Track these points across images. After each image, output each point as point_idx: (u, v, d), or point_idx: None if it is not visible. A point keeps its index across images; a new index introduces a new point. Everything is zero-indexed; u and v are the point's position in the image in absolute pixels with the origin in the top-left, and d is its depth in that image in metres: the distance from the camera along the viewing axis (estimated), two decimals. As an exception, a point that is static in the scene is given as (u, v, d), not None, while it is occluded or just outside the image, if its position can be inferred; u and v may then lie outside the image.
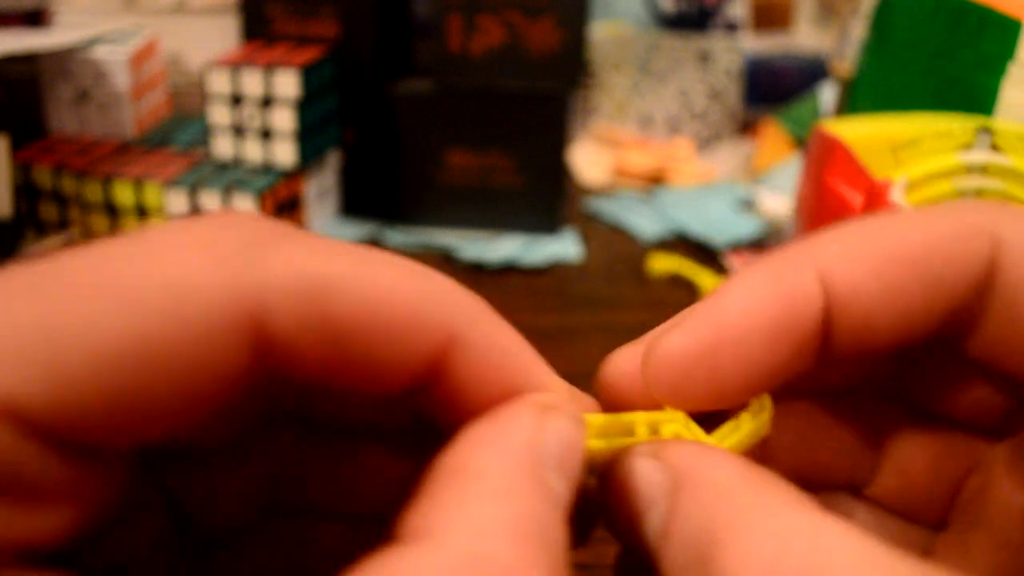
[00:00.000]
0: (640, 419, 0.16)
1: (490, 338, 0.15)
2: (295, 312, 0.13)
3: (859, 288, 0.15)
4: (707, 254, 0.61)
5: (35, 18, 0.70)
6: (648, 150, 0.78)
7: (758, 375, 0.15)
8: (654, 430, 0.15)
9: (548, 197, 0.63)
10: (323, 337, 0.13)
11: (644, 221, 0.66)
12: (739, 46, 0.82)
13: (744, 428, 0.15)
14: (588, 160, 0.79)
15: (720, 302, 0.15)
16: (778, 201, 0.66)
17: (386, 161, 0.63)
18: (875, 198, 0.35)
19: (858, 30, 0.60)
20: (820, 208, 0.40)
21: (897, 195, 0.35)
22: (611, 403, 0.17)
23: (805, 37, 0.98)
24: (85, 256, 0.12)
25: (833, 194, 0.38)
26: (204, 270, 0.12)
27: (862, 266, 0.15)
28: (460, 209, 0.64)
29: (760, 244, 0.63)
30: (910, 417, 0.18)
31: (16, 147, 0.55)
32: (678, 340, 0.15)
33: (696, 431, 0.15)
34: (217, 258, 0.13)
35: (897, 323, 0.15)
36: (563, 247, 0.61)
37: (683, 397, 0.15)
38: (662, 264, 0.58)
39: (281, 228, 0.14)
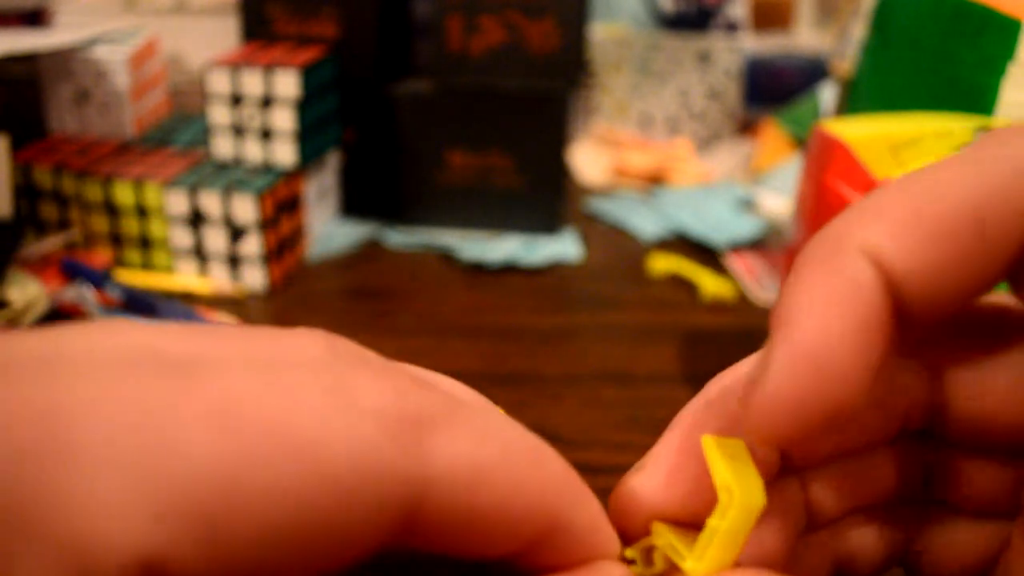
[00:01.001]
0: (633, 553, 0.17)
1: (586, 527, 0.15)
2: (448, 503, 0.13)
3: (915, 265, 0.14)
4: (707, 254, 0.61)
5: (35, 18, 0.70)
6: (648, 150, 0.78)
7: (858, 383, 0.14)
8: (647, 558, 0.17)
9: (548, 197, 0.63)
10: (459, 525, 0.13)
11: (644, 221, 0.66)
12: (739, 46, 0.82)
13: (721, 527, 0.15)
14: (588, 160, 0.79)
15: (797, 331, 0.14)
16: (778, 201, 0.66)
17: (386, 161, 0.63)
18: (875, 198, 0.35)
19: (858, 30, 0.60)
20: (820, 208, 0.40)
21: (897, 195, 0.35)
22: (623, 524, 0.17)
23: (805, 37, 0.98)
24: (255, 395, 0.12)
25: (833, 194, 0.38)
26: (379, 445, 0.12)
27: (913, 241, 0.14)
28: (460, 209, 0.64)
29: (760, 244, 0.63)
30: (936, 512, 0.18)
31: (16, 147, 0.55)
32: (777, 386, 0.14)
33: (679, 549, 0.16)
34: (389, 432, 0.13)
35: (962, 283, 0.14)
36: (563, 247, 0.61)
37: (791, 437, 0.14)
38: (662, 264, 0.58)
39: (444, 394, 0.14)
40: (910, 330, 0.15)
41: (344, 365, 0.13)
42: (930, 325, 0.15)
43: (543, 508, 0.14)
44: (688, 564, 0.15)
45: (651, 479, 0.17)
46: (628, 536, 0.17)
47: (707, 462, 0.15)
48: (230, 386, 0.12)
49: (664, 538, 0.16)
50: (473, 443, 0.13)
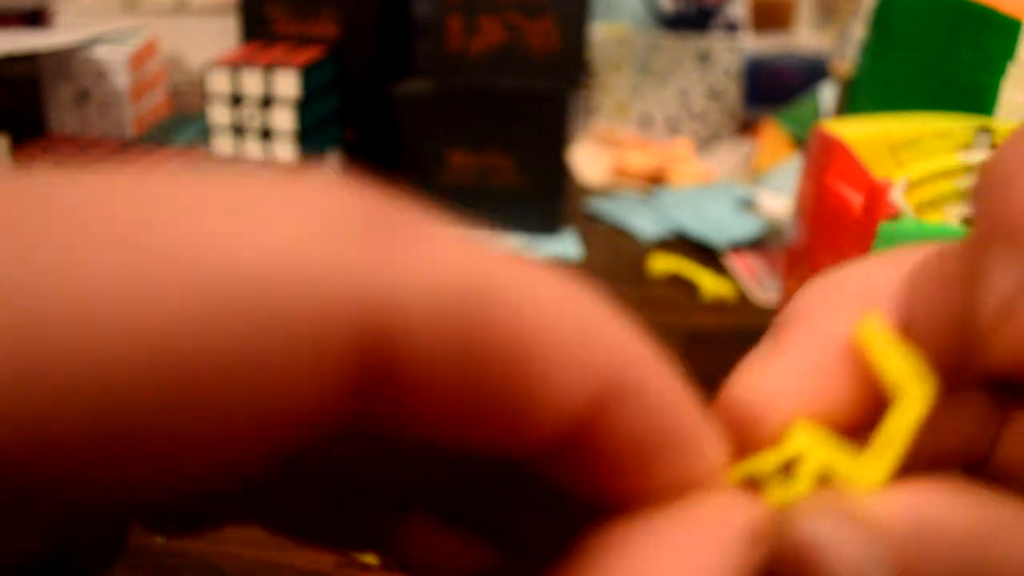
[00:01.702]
0: (768, 465, 0.12)
1: (659, 393, 0.11)
2: (435, 335, 0.09)
3: None
4: (707, 254, 0.61)
5: (35, 18, 0.70)
6: (648, 150, 0.78)
7: None
8: (814, 476, 0.12)
9: (548, 197, 0.63)
10: (464, 374, 0.09)
11: (644, 221, 0.66)
12: (739, 46, 0.82)
13: (902, 424, 0.12)
14: (588, 160, 0.79)
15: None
16: (778, 201, 0.66)
17: (386, 161, 0.63)
18: (875, 198, 0.35)
19: (858, 30, 0.60)
20: (820, 208, 0.40)
21: (897, 195, 0.35)
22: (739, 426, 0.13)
23: (805, 37, 0.98)
24: (124, 193, 0.08)
25: (833, 194, 0.38)
26: (319, 251, 0.08)
27: None
28: (460, 209, 0.63)
29: (760, 244, 0.63)
30: None
31: (16, 147, 0.55)
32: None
33: (841, 456, 0.12)
34: (336, 237, 0.09)
35: None
36: (563, 247, 0.61)
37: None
38: (662, 264, 0.58)
39: (415, 211, 0.10)
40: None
41: (351, 202, 0.09)
42: None
43: (595, 355, 0.10)
44: (864, 475, 0.11)
45: (789, 370, 0.12)
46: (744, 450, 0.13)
47: (868, 351, 0.12)
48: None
49: (811, 446, 0.12)
50: (461, 251, 0.10)
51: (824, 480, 0.12)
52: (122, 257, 0.08)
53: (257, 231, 0.08)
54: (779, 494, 0.12)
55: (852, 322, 0.13)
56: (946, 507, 0.10)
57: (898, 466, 0.12)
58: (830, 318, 0.13)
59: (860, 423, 0.12)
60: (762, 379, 0.12)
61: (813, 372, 0.12)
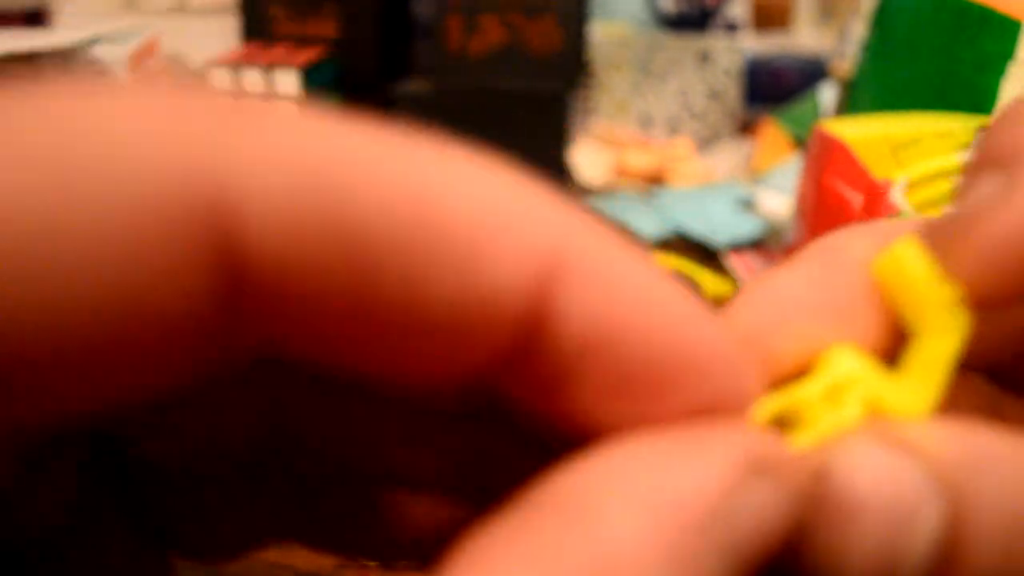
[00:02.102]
0: (810, 394, 0.11)
1: (621, 274, 0.09)
2: (289, 219, 0.08)
3: None
4: (707, 254, 0.61)
5: (35, 18, 0.70)
6: (648, 150, 0.78)
7: None
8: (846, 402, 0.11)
9: (548, 197, 0.63)
10: (338, 270, 0.08)
11: (644, 221, 0.66)
12: (739, 46, 0.82)
13: (940, 353, 0.11)
14: (588, 160, 0.79)
15: None
16: (778, 201, 0.66)
17: (386, 161, 0.63)
18: (875, 198, 0.35)
19: (858, 30, 0.60)
20: (820, 208, 0.40)
21: (897, 195, 0.35)
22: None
23: (805, 37, 0.98)
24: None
25: (833, 194, 0.38)
26: (155, 136, 0.08)
27: None
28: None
29: (760, 244, 0.63)
30: None
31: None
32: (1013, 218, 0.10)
33: (887, 384, 0.11)
34: (177, 126, 0.08)
35: None
36: (563, 247, 0.61)
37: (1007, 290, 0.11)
38: (662, 264, 0.58)
39: (268, 104, 0.09)
40: None
41: (201, 101, 0.08)
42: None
43: (515, 233, 0.08)
44: (911, 405, 0.11)
45: (801, 284, 0.11)
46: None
47: (898, 277, 0.11)
48: None
49: (855, 372, 0.11)
50: (305, 133, 0.08)
51: (872, 410, 0.11)
52: None
53: (90, 119, 0.08)
54: (824, 425, 0.10)
55: (873, 249, 0.12)
56: (998, 442, 0.10)
57: (940, 399, 0.11)
58: (850, 242, 0.12)
59: (878, 351, 0.11)
60: (772, 292, 0.11)
61: (829, 288, 0.11)
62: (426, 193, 0.08)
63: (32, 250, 0.07)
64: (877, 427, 0.10)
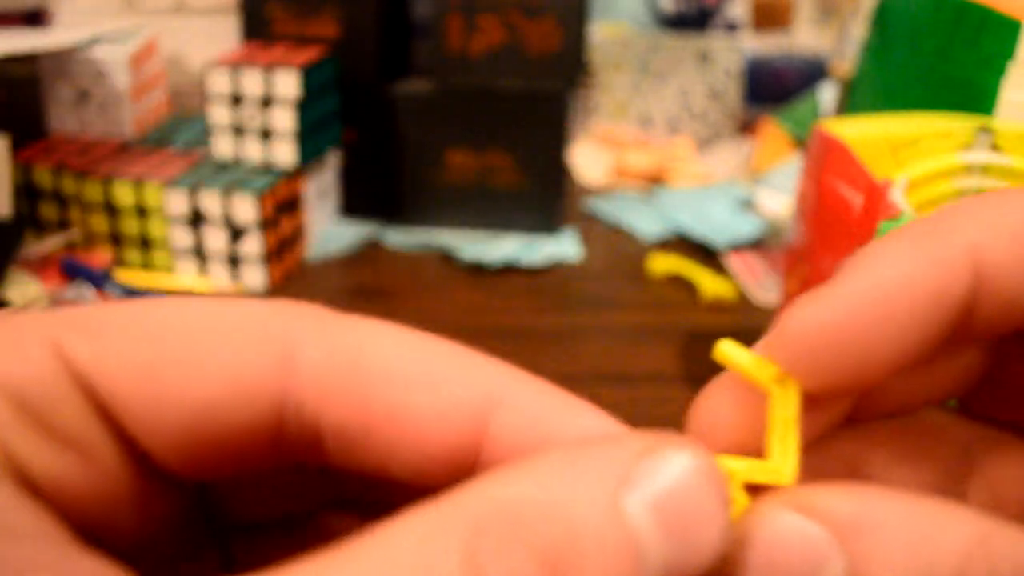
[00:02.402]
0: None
1: (534, 398, 0.14)
2: (325, 378, 0.13)
3: (1011, 268, 0.13)
4: (707, 254, 0.61)
5: (35, 18, 0.70)
6: (648, 150, 0.78)
7: (900, 351, 0.13)
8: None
9: (548, 197, 0.63)
10: (352, 404, 0.13)
11: (644, 221, 0.66)
12: (739, 46, 0.82)
13: (784, 422, 0.14)
14: (588, 160, 0.79)
15: (865, 273, 0.13)
16: (778, 201, 0.66)
17: (386, 161, 0.63)
18: (875, 198, 0.35)
19: (858, 30, 0.60)
20: (820, 208, 0.40)
21: (897, 195, 0.35)
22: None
23: (805, 37, 0.98)
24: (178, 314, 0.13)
25: (833, 194, 0.38)
26: (253, 359, 0.13)
27: (1016, 244, 0.13)
28: (460, 209, 0.64)
29: (760, 244, 0.63)
30: (996, 431, 0.17)
31: (16, 147, 0.55)
32: (819, 312, 0.13)
33: (755, 467, 0.14)
34: (261, 345, 0.13)
35: None
36: (563, 247, 0.61)
37: (816, 373, 0.13)
38: (662, 264, 0.58)
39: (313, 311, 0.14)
40: (966, 339, 0.14)
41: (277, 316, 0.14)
42: (999, 333, 0.14)
43: (461, 379, 0.14)
44: (785, 471, 0.13)
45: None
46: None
47: (733, 364, 0.14)
48: None
49: (728, 467, 0.14)
50: (339, 329, 0.14)
51: (751, 491, 0.13)
52: None
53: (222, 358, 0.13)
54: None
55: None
56: (890, 500, 0.12)
57: (799, 460, 0.14)
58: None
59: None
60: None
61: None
62: (404, 358, 0.14)
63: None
64: (784, 496, 0.13)
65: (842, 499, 0.12)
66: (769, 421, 0.14)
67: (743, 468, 0.14)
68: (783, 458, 0.14)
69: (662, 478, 0.11)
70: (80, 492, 0.11)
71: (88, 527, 0.12)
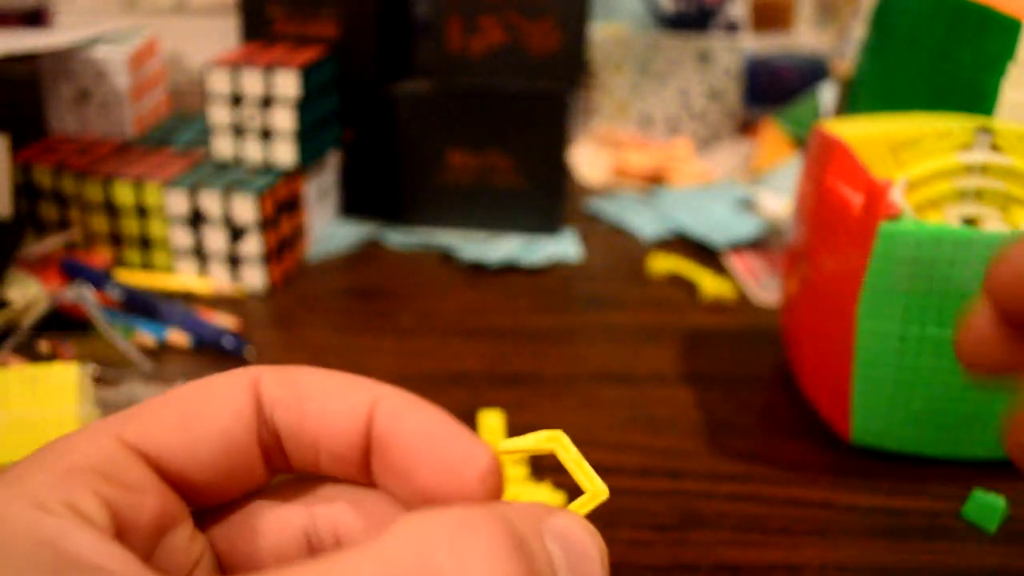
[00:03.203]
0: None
1: (397, 398, 0.19)
2: (276, 395, 0.19)
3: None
4: (707, 254, 0.61)
5: (35, 18, 0.70)
6: (648, 150, 0.78)
7: None
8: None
9: (548, 197, 0.63)
10: (293, 409, 0.19)
11: (644, 221, 0.66)
12: (739, 46, 0.82)
13: (587, 505, 0.19)
14: (588, 160, 0.79)
15: None
16: (778, 201, 0.66)
17: (386, 161, 0.63)
18: (875, 198, 0.35)
19: (858, 30, 0.60)
20: (820, 208, 0.40)
21: (897, 195, 0.35)
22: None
23: (805, 37, 0.98)
24: (182, 396, 0.19)
25: (833, 194, 0.38)
26: (241, 405, 0.19)
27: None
28: (460, 209, 0.64)
29: (760, 244, 0.63)
30: None
31: (16, 147, 0.55)
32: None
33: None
34: (239, 387, 0.19)
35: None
36: (563, 247, 0.61)
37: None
38: (662, 264, 0.58)
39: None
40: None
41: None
42: None
43: (356, 389, 0.19)
44: (599, 489, 0.19)
45: None
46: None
47: (517, 451, 0.20)
48: None
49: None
50: (284, 368, 0.20)
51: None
52: None
53: (220, 407, 0.20)
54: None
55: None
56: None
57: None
58: None
59: None
60: None
61: None
62: (318, 377, 0.19)
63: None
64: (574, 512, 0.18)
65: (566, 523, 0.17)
66: (567, 467, 0.19)
67: (581, 503, 0.19)
68: (591, 482, 0.19)
69: (561, 523, 0.17)
70: (150, 517, 0.17)
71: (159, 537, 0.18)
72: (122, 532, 0.16)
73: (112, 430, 0.17)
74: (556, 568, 0.16)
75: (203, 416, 0.18)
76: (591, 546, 0.17)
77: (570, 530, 0.17)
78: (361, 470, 0.19)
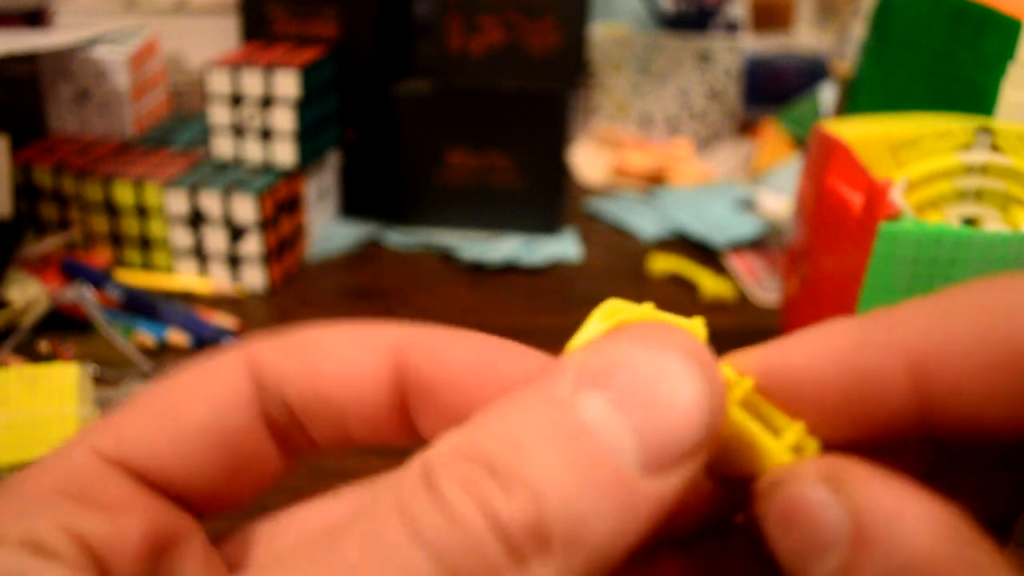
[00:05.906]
0: (777, 418, 0.14)
1: (442, 339, 0.16)
2: (282, 357, 0.16)
3: (962, 388, 0.13)
4: (707, 254, 0.61)
5: (35, 18, 0.70)
6: (648, 150, 0.78)
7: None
8: (794, 442, 0.14)
9: (548, 197, 0.63)
10: (303, 374, 0.16)
11: (644, 221, 0.66)
12: (739, 46, 0.82)
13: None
14: (588, 160, 0.79)
15: (794, 344, 0.15)
16: (778, 201, 0.66)
17: (386, 161, 0.63)
18: (875, 198, 0.35)
19: (858, 30, 0.60)
20: (820, 208, 0.40)
21: (897, 195, 0.35)
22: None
23: (805, 37, 0.98)
24: (171, 385, 0.16)
25: (833, 194, 0.38)
26: (232, 387, 0.16)
27: (966, 363, 0.13)
28: (460, 209, 0.64)
29: (760, 244, 0.63)
30: None
31: (16, 147, 0.55)
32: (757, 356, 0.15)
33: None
34: (231, 368, 0.16)
35: (1002, 417, 0.13)
36: (563, 247, 0.61)
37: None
38: (662, 264, 0.58)
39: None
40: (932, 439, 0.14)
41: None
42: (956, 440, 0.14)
43: (371, 341, 0.16)
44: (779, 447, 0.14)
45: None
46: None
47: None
48: None
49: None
50: (294, 335, 0.17)
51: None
52: None
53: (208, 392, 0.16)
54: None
55: None
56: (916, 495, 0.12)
57: None
58: None
59: None
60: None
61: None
62: (330, 339, 0.17)
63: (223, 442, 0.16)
64: (827, 466, 0.12)
65: (875, 500, 0.11)
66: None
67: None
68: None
69: (597, 360, 0.12)
70: (137, 539, 0.14)
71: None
72: (104, 561, 0.13)
73: (86, 441, 0.15)
74: (598, 429, 0.11)
75: (187, 409, 0.15)
76: (680, 384, 0.12)
77: (613, 363, 0.12)
78: (399, 428, 0.16)
